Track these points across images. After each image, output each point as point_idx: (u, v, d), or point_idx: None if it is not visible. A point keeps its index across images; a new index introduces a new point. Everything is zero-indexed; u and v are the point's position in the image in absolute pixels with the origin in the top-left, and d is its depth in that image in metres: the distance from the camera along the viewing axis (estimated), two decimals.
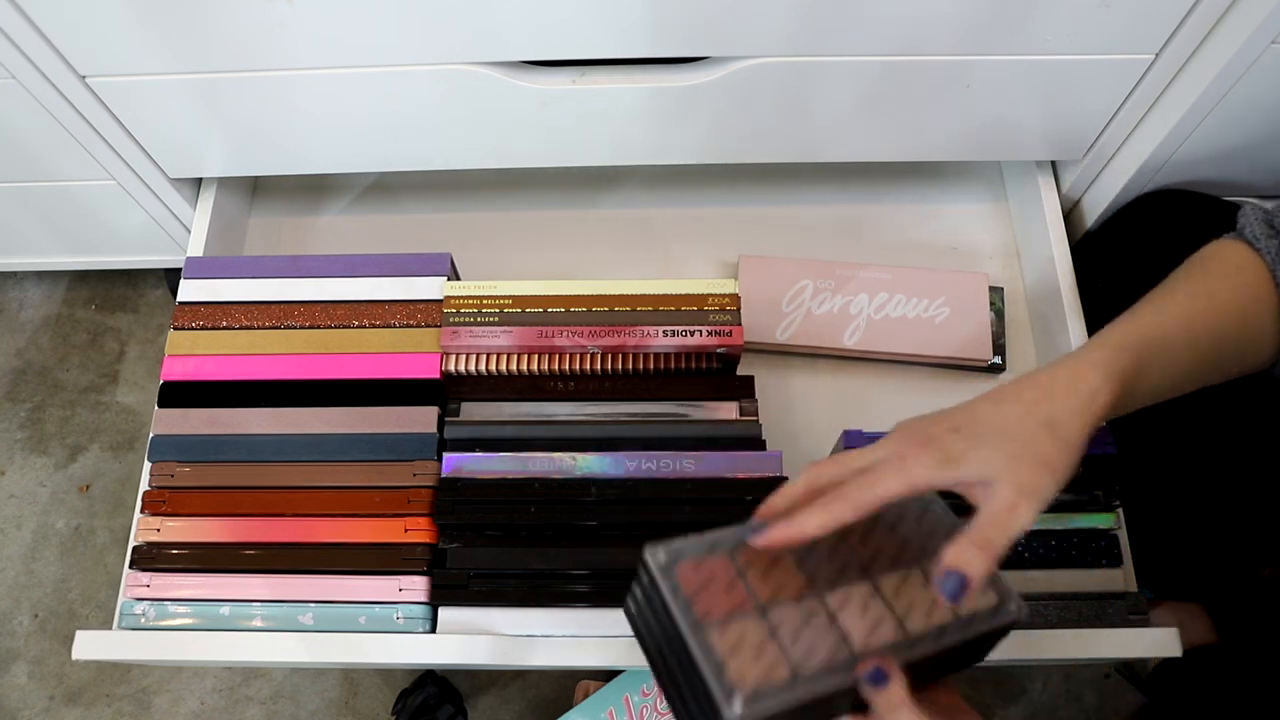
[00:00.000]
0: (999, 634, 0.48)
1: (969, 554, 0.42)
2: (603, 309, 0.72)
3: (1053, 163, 0.87)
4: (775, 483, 0.66)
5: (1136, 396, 0.49)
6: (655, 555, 0.46)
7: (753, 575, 0.47)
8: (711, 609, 0.45)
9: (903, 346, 0.82)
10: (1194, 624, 0.82)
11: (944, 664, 0.47)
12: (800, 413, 0.81)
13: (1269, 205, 0.55)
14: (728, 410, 0.71)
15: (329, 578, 0.66)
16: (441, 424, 0.71)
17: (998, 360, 0.83)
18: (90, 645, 0.65)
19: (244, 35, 0.68)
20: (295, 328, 0.74)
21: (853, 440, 0.69)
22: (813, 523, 0.45)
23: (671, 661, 0.46)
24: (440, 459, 0.69)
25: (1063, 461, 0.44)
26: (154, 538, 0.68)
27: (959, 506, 0.48)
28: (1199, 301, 0.52)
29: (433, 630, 0.66)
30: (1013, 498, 0.43)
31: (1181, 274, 0.54)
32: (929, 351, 0.82)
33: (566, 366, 0.72)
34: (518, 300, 0.73)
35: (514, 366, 0.72)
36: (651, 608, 0.47)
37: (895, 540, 0.49)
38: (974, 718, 0.47)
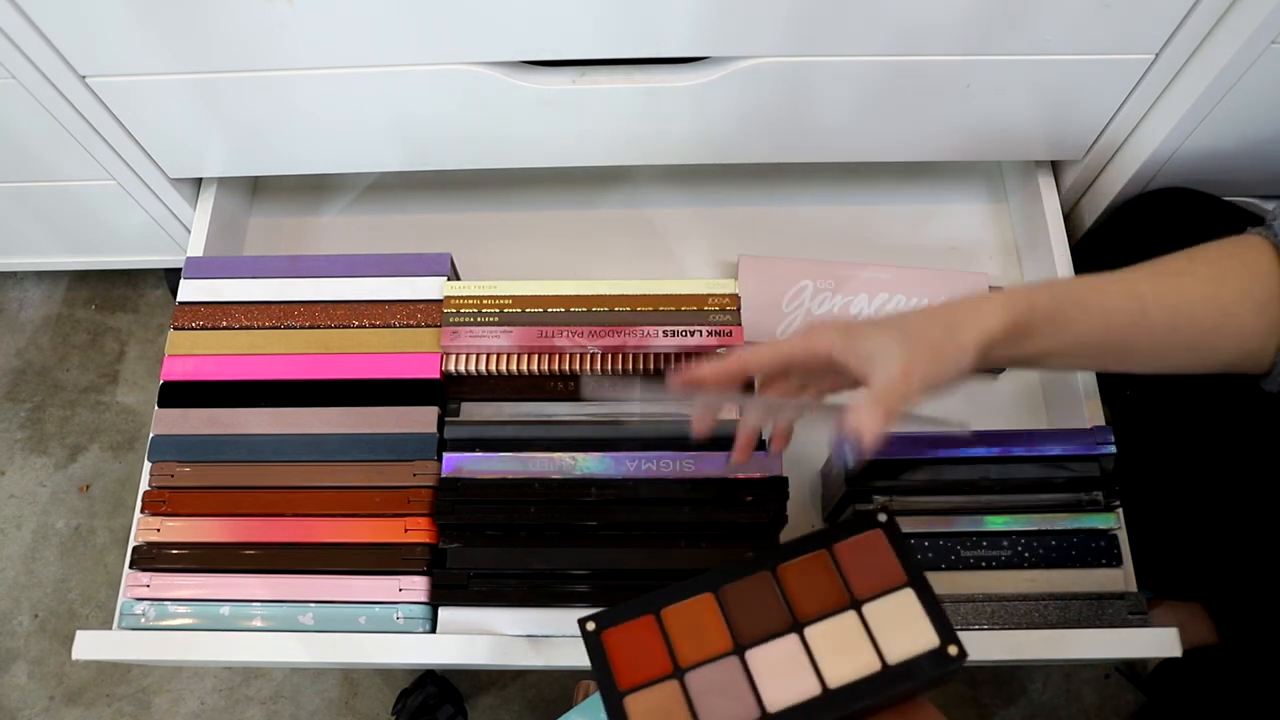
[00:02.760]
0: (948, 675, 0.48)
1: (865, 415, 0.46)
2: (603, 309, 0.72)
3: (1053, 162, 0.87)
4: (775, 483, 0.66)
5: (1065, 348, 0.51)
6: (585, 625, 0.49)
7: (677, 634, 0.49)
8: (631, 675, 0.48)
9: None
10: (1194, 624, 0.82)
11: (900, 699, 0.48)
12: None
13: None
14: (727, 410, 0.71)
15: (329, 578, 0.66)
16: (441, 424, 0.71)
17: None
18: (90, 645, 0.65)
19: (244, 35, 0.68)
20: (295, 328, 0.74)
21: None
22: (709, 367, 0.51)
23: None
24: (440, 459, 0.69)
25: (952, 352, 0.47)
26: (154, 538, 0.68)
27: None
28: (1164, 278, 0.51)
29: (433, 630, 0.66)
30: (904, 366, 0.46)
31: (1177, 254, 0.53)
32: None
33: (567, 367, 0.72)
34: (518, 300, 0.73)
35: (514, 366, 0.72)
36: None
37: (832, 578, 0.50)
38: None
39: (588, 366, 0.72)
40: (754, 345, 0.51)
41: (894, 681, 0.46)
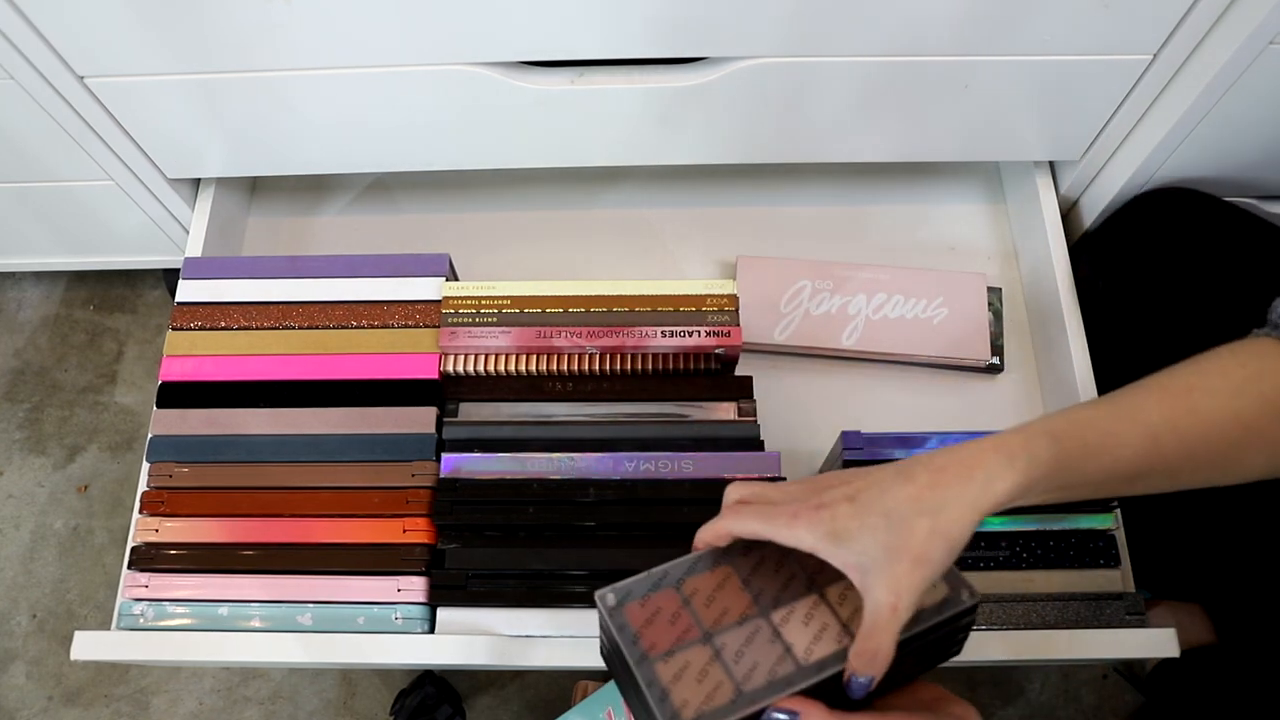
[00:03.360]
0: (962, 625, 0.48)
1: (864, 662, 0.44)
2: (601, 309, 0.72)
3: (1050, 163, 0.87)
4: (774, 483, 0.66)
5: (1070, 486, 0.47)
6: (604, 599, 0.48)
7: (698, 602, 0.49)
8: (658, 641, 0.47)
9: (901, 347, 0.82)
10: (1192, 624, 0.82)
11: (917, 663, 0.48)
12: (798, 413, 0.81)
13: None
14: (726, 411, 0.71)
15: (327, 578, 0.66)
16: (440, 424, 0.71)
17: (995, 361, 0.83)
18: (88, 646, 0.65)
19: (242, 36, 0.68)
20: (294, 328, 0.74)
21: (851, 441, 0.69)
22: (707, 534, 0.49)
23: (631, 697, 0.48)
24: (439, 459, 0.69)
25: (938, 551, 0.43)
26: (152, 538, 0.68)
27: None
28: (1174, 399, 0.47)
29: (431, 631, 0.66)
30: (889, 599, 0.43)
31: (1180, 367, 0.49)
32: (927, 352, 0.82)
33: (565, 367, 0.72)
34: (516, 301, 0.73)
35: (512, 367, 0.72)
36: (609, 649, 0.49)
37: None
38: (961, 705, 0.47)
39: (586, 366, 0.72)
40: (743, 514, 0.48)
41: (912, 625, 0.45)
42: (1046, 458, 0.45)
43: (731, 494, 0.50)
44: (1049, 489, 0.46)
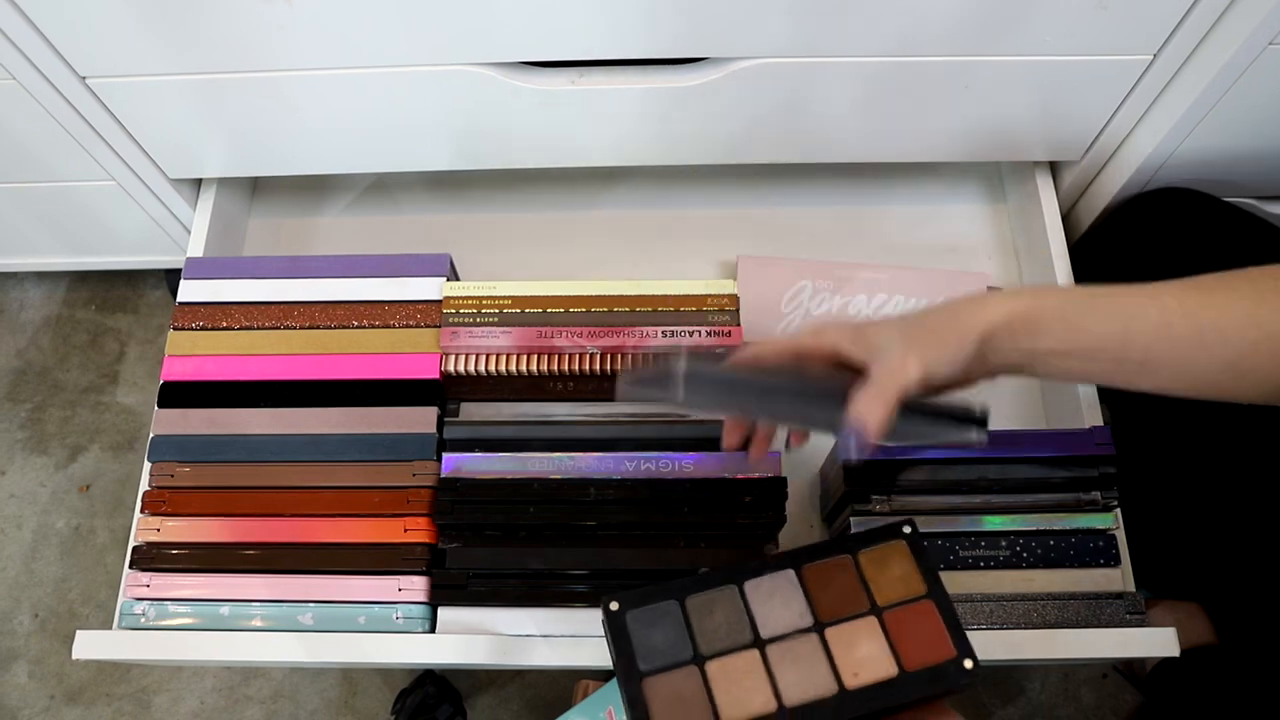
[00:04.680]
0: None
1: (865, 404, 0.47)
2: (602, 309, 0.72)
3: (1051, 163, 0.87)
4: (774, 483, 0.67)
5: (1068, 338, 0.49)
6: (609, 605, 0.52)
7: (699, 621, 0.51)
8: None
9: None
10: (1192, 624, 0.82)
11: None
12: None
13: None
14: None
15: (328, 578, 0.67)
16: (441, 424, 0.71)
17: None
18: (90, 645, 0.65)
19: (243, 36, 0.68)
20: (295, 328, 0.74)
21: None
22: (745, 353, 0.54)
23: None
24: (439, 459, 0.69)
25: (952, 339, 0.47)
26: (154, 538, 0.68)
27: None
28: (1190, 293, 0.49)
29: (432, 630, 0.66)
30: (902, 354, 0.47)
31: (1208, 275, 0.51)
32: None
33: (566, 367, 0.72)
34: (517, 301, 0.73)
35: (513, 367, 0.72)
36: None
37: (854, 583, 0.52)
38: (951, 715, 0.47)
39: (587, 367, 0.72)
40: (768, 339, 0.53)
41: (907, 689, 0.47)
42: (1053, 302, 0.49)
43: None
44: (1056, 342, 0.49)
